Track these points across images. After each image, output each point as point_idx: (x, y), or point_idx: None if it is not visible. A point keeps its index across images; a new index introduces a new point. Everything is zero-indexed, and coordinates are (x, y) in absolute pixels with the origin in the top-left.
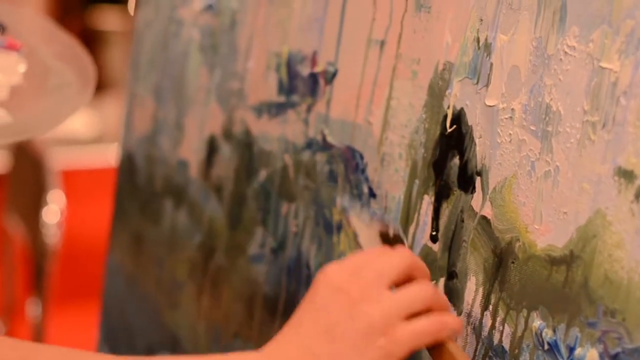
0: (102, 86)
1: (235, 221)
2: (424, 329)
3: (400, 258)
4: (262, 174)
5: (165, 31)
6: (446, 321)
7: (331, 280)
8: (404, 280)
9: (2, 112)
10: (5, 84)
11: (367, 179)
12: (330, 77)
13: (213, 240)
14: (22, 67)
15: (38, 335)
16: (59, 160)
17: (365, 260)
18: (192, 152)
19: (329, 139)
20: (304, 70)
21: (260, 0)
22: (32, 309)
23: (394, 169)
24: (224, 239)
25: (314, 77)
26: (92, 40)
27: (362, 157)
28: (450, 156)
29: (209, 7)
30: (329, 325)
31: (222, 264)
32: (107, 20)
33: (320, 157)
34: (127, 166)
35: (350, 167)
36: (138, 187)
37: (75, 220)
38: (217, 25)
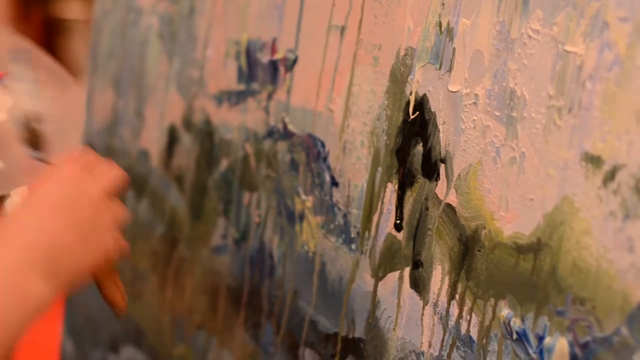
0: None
1: (197, 212)
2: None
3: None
4: (223, 164)
5: (124, 20)
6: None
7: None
8: None
9: None
10: None
11: (328, 167)
12: (291, 64)
13: (175, 231)
14: (7, 102)
15: None
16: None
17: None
18: (152, 141)
19: (290, 127)
20: (264, 58)
21: None
22: None
23: (356, 156)
24: (186, 229)
25: (274, 64)
26: (55, 30)
27: (323, 145)
28: (413, 143)
29: None
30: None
31: (185, 255)
32: (70, 9)
33: (282, 146)
34: None
35: (311, 156)
36: None
37: None
38: (175, 12)
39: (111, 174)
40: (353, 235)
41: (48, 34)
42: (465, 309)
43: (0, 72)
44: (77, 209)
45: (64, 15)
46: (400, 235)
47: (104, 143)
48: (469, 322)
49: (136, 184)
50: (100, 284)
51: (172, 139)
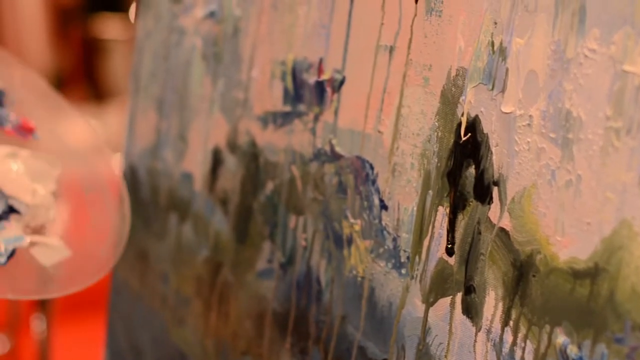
0: (104, 96)
1: (242, 235)
2: None
3: None
4: (269, 186)
5: (166, 40)
6: None
7: None
8: None
9: (58, 242)
10: (52, 201)
11: (377, 190)
12: (338, 85)
13: (220, 255)
14: (57, 169)
15: (43, 351)
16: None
17: None
18: (196, 164)
19: (338, 149)
20: (310, 79)
21: (263, 7)
22: (36, 325)
23: (406, 179)
24: (230, 254)
25: (320, 85)
26: (93, 49)
27: (372, 168)
28: (465, 166)
29: (211, 14)
30: None
31: (230, 279)
32: (109, 28)
33: (329, 168)
34: (130, 179)
35: (360, 178)
36: (141, 201)
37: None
38: (219, 33)
39: None
40: (403, 259)
41: (87, 54)
42: (520, 335)
43: (30, 123)
44: None
45: (103, 35)
46: (451, 260)
47: (147, 165)
48: (524, 349)
49: (179, 207)
50: None
51: (217, 161)
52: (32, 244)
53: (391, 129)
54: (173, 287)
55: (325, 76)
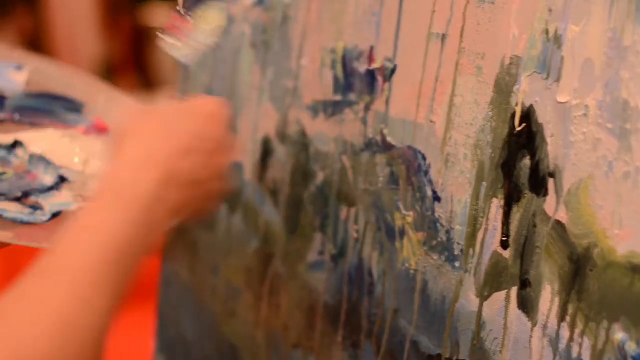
0: (154, 84)
1: (293, 226)
2: None
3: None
4: (320, 177)
5: None
6: None
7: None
8: None
9: None
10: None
11: (430, 182)
12: (389, 74)
13: (270, 246)
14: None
15: None
16: None
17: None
18: (245, 154)
19: (389, 139)
20: (361, 67)
21: None
22: None
23: (460, 170)
24: (281, 245)
25: (371, 74)
26: (143, 38)
27: (424, 158)
28: (520, 156)
29: (260, 2)
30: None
31: (280, 271)
32: (159, 16)
33: (380, 159)
34: None
35: (412, 169)
36: None
37: None
38: (268, 21)
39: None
40: (456, 252)
41: (137, 42)
42: (577, 331)
43: (104, 124)
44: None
45: (153, 23)
46: (506, 253)
47: None
48: (581, 345)
49: (229, 197)
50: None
51: (266, 151)
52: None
53: (444, 119)
54: (223, 278)
55: (376, 65)
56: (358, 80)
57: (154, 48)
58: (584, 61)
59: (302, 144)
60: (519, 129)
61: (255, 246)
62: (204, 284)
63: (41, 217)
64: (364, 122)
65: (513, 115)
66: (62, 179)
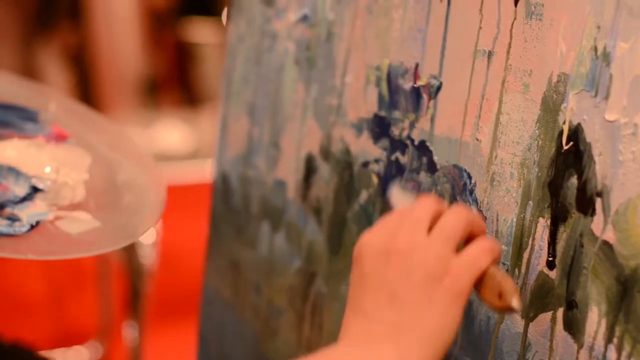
0: (197, 100)
1: (336, 246)
2: (477, 256)
3: (427, 203)
4: (363, 195)
5: (259, 45)
6: (493, 242)
7: (373, 246)
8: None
9: (87, 216)
10: (80, 182)
11: (475, 201)
12: (435, 91)
13: (313, 265)
14: (87, 162)
15: (135, 358)
16: None
17: (398, 217)
18: (289, 172)
19: (434, 157)
20: (406, 84)
21: (357, 10)
22: (128, 331)
23: (505, 189)
24: (324, 264)
25: (416, 91)
26: (186, 54)
27: (470, 177)
28: (567, 176)
29: (304, 18)
30: (389, 289)
31: (323, 290)
32: (202, 32)
33: (425, 177)
34: (222, 187)
35: (457, 188)
36: (233, 209)
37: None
38: (312, 37)
39: (451, 221)
40: None
41: (180, 58)
42: (624, 353)
43: (64, 131)
44: (408, 293)
45: (197, 39)
46: (552, 274)
47: (239, 173)
48: None
49: (272, 216)
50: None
51: (310, 169)
52: (58, 218)
53: (490, 137)
54: (265, 297)
55: (421, 82)
56: (403, 97)
57: (197, 64)
58: (633, 78)
59: (346, 162)
60: (566, 147)
61: (297, 265)
62: (245, 302)
63: (20, 228)
64: (409, 140)
65: (560, 134)
66: (35, 189)
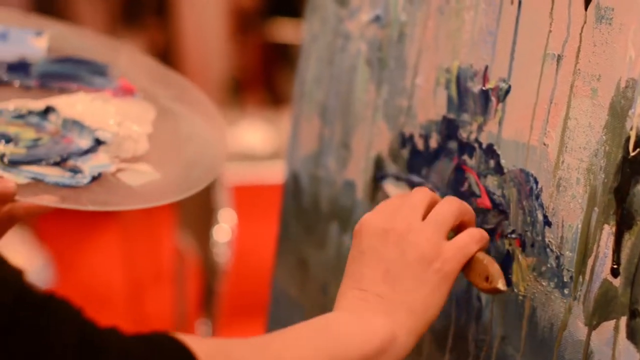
0: (281, 101)
1: None
2: (466, 242)
3: (424, 192)
4: None
5: (332, 45)
6: (481, 232)
7: (373, 226)
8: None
9: (148, 168)
10: (143, 135)
11: (541, 206)
12: (503, 95)
13: None
14: (151, 115)
15: None
16: (234, 175)
17: (397, 201)
18: (359, 172)
19: (502, 161)
20: (475, 87)
21: (429, 11)
22: (202, 329)
23: (571, 195)
24: None
25: (485, 94)
26: (272, 54)
27: (536, 182)
28: (633, 182)
29: (377, 19)
30: (385, 266)
31: None
32: (288, 33)
33: (492, 181)
34: (293, 186)
35: (523, 192)
36: (303, 208)
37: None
38: (384, 38)
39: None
40: (566, 279)
41: (266, 58)
42: None
43: (131, 85)
44: (402, 270)
45: (282, 39)
46: (617, 282)
47: (309, 172)
48: None
49: (341, 216)
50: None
51: (379, 170)
52: (120, 170)
53: (557, 142)
54: (332, 297)
55: (490, 85)
56: (472, 100)
57: (283, 64)
58: None
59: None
60: (633, 153)
61: None
62: (313, 302)
63: (82, 179)
64: (477, 143)
65: (627, 140)
66: (98, 142)
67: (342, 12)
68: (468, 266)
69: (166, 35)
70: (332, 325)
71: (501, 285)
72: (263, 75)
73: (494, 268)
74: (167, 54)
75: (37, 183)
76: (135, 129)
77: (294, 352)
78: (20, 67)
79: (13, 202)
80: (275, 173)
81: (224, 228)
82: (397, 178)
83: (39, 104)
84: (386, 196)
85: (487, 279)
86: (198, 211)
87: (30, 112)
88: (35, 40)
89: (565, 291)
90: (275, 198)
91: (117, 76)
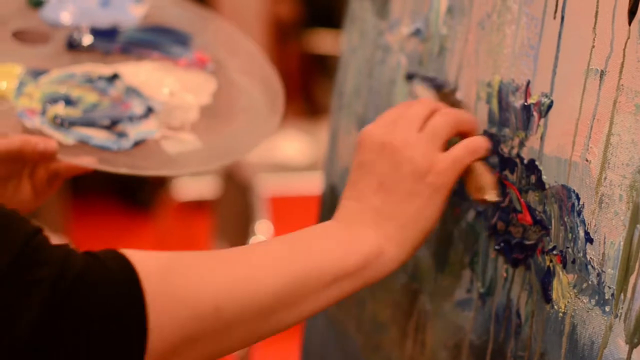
0: (319, 112)
1: (442, 263)
2: (461, 154)
3: (424, 103)
4: (471, 213)
5: (371, 57)
6: (477, 142)
7: (372, 138)
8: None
9: (192, 137)
10: (195, 105)
11: (583, 222)
12: (545, 110)
13: (418, 282)
14: (211, 87)
15: None
16: (271, 186)
17: (397, 113)
18: None
19: (543, 177)
20: (517, 102)
21: (470, 25)
22: None
23: (614, 211)
24: (429, 281)
25: (527, 109)
26: (310, 65)
27: (578, 198)
28: None
29: (417, 32)
30: (379, 179)
31: (427, 307)
32: (326, 44)
33: (533, 196)
34: (330, 200)
35: (565, 208)
36: None
37: None
38: (424, 51)
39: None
40: (607, 296)
41: (304, 69)
42: None
43: (205, 56)
44: (394, 184)
45: (321, 50)
46: None
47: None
48: None
49: None
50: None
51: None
52: (164, 137)
53: (599, 158)
54: (369, 312)
55: (532, 100)
56: (513, 115)
57: (321, 75)
58: None
59: None
60: None
61: (403, 281)
62: (349, 316)
63: (125, 143)
64: (518, 158)
65: None
66: (150, 109)
67: (382, 25)
68: (465, 177)
69: None
70: (311, 238)
71: (490, 196)
72: (301, 86)
73: (487, 178)
74: None
75: (83, 145)
76: (187, 99)
77: (252, 265)
78: (108, 33)
79: (55, 160)
80: (312, 184)
81: (260, 239)
82: (425, 79)
83: (108, 70)
84: (415, 96)
85: (479, 189)
86: (235, 222)
87: (100, 77)
88: (134, 8)
89: (607, 309)
90: (311, 209)
91: (197, 47)
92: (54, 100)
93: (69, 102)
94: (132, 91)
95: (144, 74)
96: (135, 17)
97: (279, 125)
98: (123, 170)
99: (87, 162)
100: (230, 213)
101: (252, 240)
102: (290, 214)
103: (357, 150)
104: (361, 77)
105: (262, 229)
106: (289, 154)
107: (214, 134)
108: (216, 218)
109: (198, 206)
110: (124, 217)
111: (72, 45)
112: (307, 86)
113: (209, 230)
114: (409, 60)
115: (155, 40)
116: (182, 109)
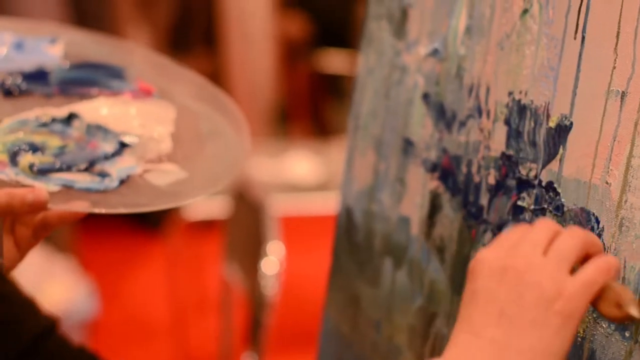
0: (328, 132)
1: (458, 286)
2: (592, 277)
3: (546, 224)
4: (488, 236)
5: (388, 78)
6: (609, 261)
7: (489, 263)
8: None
9: (174, 167)
10: (167, 135)
11: (603, 246)
12: (565, 132)
13: (434, 305)
14: (172, 115)
15: None
16: (281, 206)
17: (516, 235)
18: (414, 208)
19: (562, 199)
20: (536, 124)
21: (489, 46)
22: None
23: (634, 235)
24: (446, 304)
25: (546, 131)
26: (320, 85)
27: (597, 221)
28: None
29: (435, 52)
30: (500, 308)
31: (443, 331)
32: (336, 64)
33: (552, 219)
34: (346, 221)
35: None
36: (356, 244)
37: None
38: (442, 72)
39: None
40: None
41: (314, 89)
42: None
43: (148, 86)
44: (518, 313)
45: (331, 70)
46: None
47: (363, 207)
48: None
49: (395, 252)
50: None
51: (435, 206)
52: (146, 170)
53: (620, 181)
54: (385, 335)
55: (551, 121)
56: (532, 136)
57: (331, 95)
58: None
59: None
60: None
61: (419, 304)
62: (365, 339)
63: (110, 183)
64: (537, 180)
65: None
66: (123, 145)
67: (399, 45)
68: (597, 296)
69: (214, 64)
70: None
71: (634, 311)
72: (310, 106)
73: (627, 294)
74: (214, 83)
75: (68, 190)
76: (158, 130)
77: None
78: (38, 76)
79: (46, 210)
80: (322, 204)
81: (272, 260)
82: None
83: (62, 111)
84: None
85: (618, 306)
86: (245, 242)
87: (53, 120)
88: (50, 48)
89: (626, 334)
90: (322, 229)
91: (134, 78)
92: (19, 148)
93: (35, 149)
94: (94, 128)
95: (103, 110)
96: (56, 56)
97: (252, 145)
98: (122, 210)
99: (81, 206)
100: (241, 233)
101: (264, 261)
102: (301, 234)
103: (470, 278)
104: (378, 98)
105: (274, 249)
106: (298, 174)
107: (193, 162)
108: (226, 238)
109: (208, 226)
110: (133, 237)
111: (9, 92)
112: (317, 106)
113: (219, 251)
114: (426, 81)
115: (90, 76)
116: (156, 141)
